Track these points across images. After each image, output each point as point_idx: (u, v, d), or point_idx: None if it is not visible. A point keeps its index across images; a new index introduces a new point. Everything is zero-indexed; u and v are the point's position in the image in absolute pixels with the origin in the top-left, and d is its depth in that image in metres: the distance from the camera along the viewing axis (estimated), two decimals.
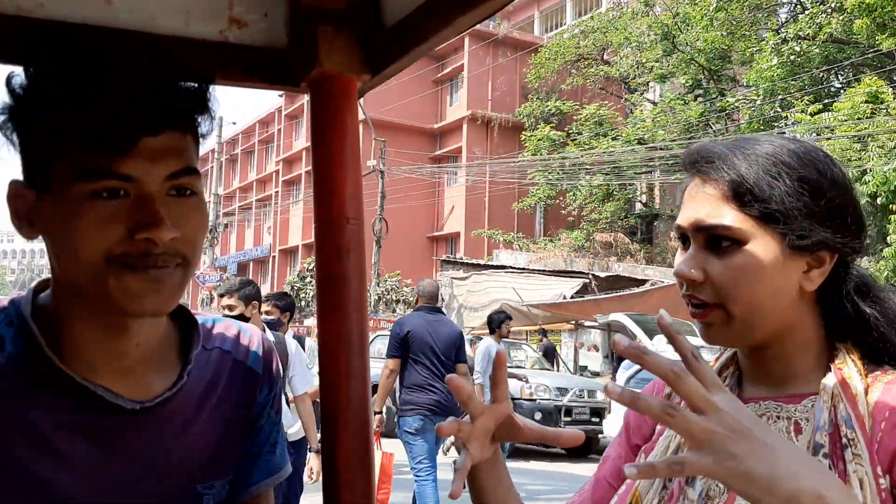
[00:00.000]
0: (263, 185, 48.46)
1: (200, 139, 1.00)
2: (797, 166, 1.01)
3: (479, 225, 32.91)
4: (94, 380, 0.96)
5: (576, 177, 27.96)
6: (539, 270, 24.04)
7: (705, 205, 1.03)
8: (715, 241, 1.01)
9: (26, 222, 0.96)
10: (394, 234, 25.72)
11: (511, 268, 24.83)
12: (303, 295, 29.71)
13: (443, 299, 22.82)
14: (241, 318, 4.28)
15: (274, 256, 44.83)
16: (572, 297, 20.59)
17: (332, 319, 1.19)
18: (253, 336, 1.17)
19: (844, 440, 0.95)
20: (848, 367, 1.01)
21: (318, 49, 1.19)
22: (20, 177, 0.97)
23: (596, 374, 18.97)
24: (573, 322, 20.59)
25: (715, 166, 1.03)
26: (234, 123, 49.05)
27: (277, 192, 45.08)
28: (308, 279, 30.52)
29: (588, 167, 27.29)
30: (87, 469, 0.97)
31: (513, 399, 9.34)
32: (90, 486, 0.97)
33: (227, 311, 4.41)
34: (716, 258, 1.01)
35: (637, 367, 7.68)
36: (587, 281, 21.82)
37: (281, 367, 1.21)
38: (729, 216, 1.00)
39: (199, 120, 0.98)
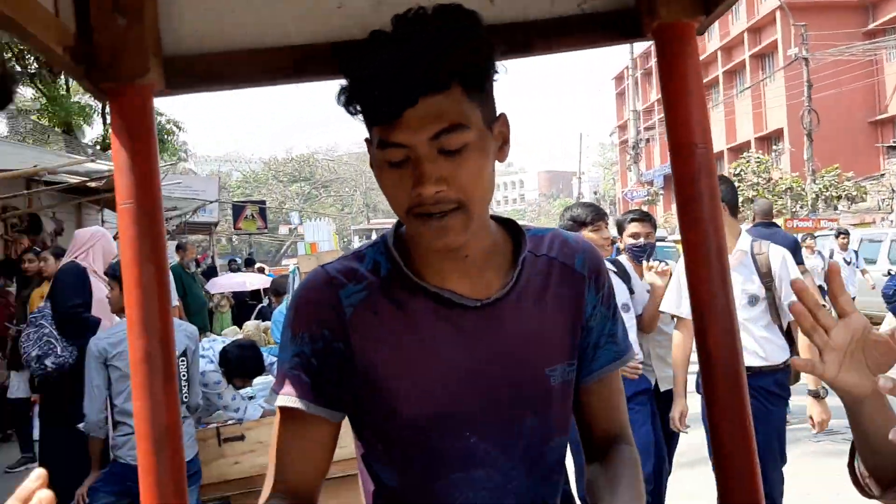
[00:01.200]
0: None
1: (477, 90, 1.14)
2: None
3: None
4: (442, 286, 1.23)
5: None
6: None
7: None
8: None
9: (376, 169, 1.19)
10: (826, 124, 23.54)
11: None
12: None
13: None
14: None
15: None
16: None
17: (690, 237, 1.41)
18: (578, 243, 1.37)
19: None
20: None
21: (656, 3, 1.41)
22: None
23: None
24: None
25: None
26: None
27: None
28: (735, 184, 29.36)
29: None
30: (449, 354, 1.22)
31: None
32: (453, 368, 1.22)
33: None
34: None
35: None
36: None
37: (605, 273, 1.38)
38: None
39: (461, 76, 1.10)
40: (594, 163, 79.92)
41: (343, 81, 1.13)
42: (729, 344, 1.38)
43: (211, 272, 15.11)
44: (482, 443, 1.24)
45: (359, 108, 1.13)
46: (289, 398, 1.23)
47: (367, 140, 1.21)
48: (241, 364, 4.70)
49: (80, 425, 4.05)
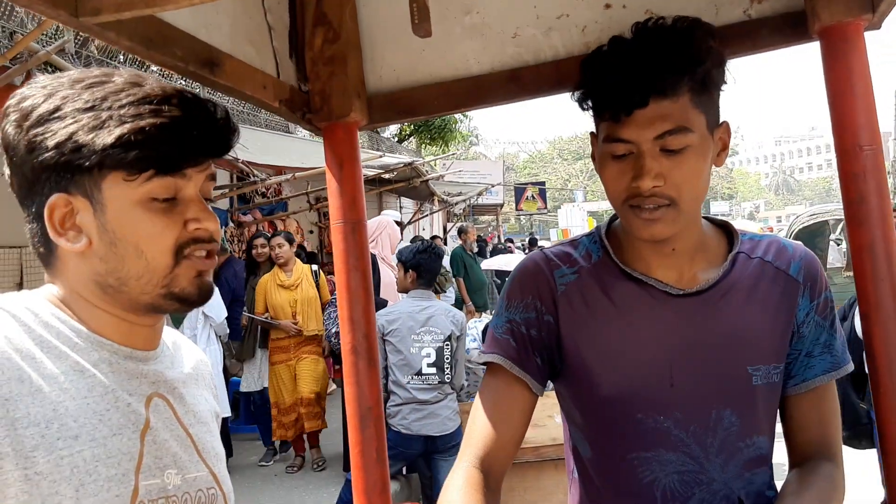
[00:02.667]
0: None
1: (705, 96, 1.22)
2: None
3: None
4: (648, 274, 1.33)
5: None
6: None
7: None
8: None
9: (598, 161, 1.32)
10: None
11: None
12: None
13: None
14: None
15: None
16: None
17: (857, 236, 1.39)
18: (797, 250, 1.40)
19: None
20: None
21: (820, 4, 1.40)
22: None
23: None
24: None
25: None
26: None
27: None
28: None
29: None
30: (649, 338, 1.30)
31: None
32: (652, 351, 1.29)
33: None
34: None
35: None
36: None
37: (823, 282, 1.39)
38: None
39: (697, 80, 1.20)
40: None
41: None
42: None
43: (500, 251, 15.79)
44: (675, 428, 1.29)
45: (590, 103, 1.27)
46: (494, 356, 1.36)
47: (592, 134, 1.35)
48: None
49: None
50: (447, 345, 4.48)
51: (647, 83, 1.18)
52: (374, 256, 5.59)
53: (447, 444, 4.46)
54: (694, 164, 1.23)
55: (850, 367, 1.39)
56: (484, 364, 1.38)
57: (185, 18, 1.23)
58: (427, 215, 14.94)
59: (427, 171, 11.19)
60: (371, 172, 11.02)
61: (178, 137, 0.96)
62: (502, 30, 1.63)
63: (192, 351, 1.24)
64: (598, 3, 1.60)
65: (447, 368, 4.47)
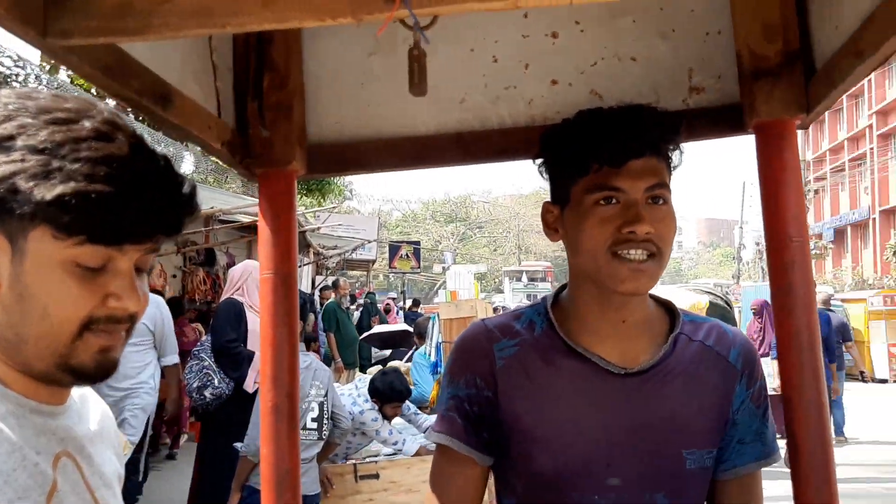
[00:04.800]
0: (856, 143, 44.78)
1: (672, 167, 1.33)
2: None
3: None
4: (591, 350, 1.32)
5: None
6: None
7: None
8: None
9: (553, 230, 1.38)
10: None
11: None
12: None
13: None
14: None
15: (874, 218, 41.15)
16: None
17: (784, 323, 1.46)
18: (737, 337, 1.42)
19: None
20: None
21: (757, 101, 1.48)
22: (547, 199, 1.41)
23: None
24: None
25: None
26: None
27: (872, 148, 41.27)
28: None
29: None
30: (588, 416, 1.30)
31: None
32: (590, 430, 1.29)
33: None
34: None
35: None
36: None
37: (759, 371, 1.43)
38: None
39: (671, 151, 1.32)
40: (758, 212, 76.51)
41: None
42: (820, 433, 1.41)
43: (370, 309, 15.62)
44: None
45: (563, 163, 1.34)
46: (442, 436, 1.38)
47: (547, 203, 1.39)
48: (390, 388, 5.00)
49: (240, 445, 4.41)
50: (325, 400, 4.36)
51: (645, 135, 1.28)
52: (240, 304, 5.39)
53: None
54: (672, 220, 1.31)
55: (779, 456, 1.42)
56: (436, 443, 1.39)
57: (141, 49, 1.16)
58: (299, 267, 14.70)
59: (303, 223, 11.03)
60: (246, 219, 10.77)
61: (126, 211, 0.87)
62: (451, 94, 1.64)
63: (98, 404, 1.13)
64: (545, 78, 1.63)
65: (325, 424, 4.35)
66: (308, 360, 4.40)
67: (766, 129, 1.50)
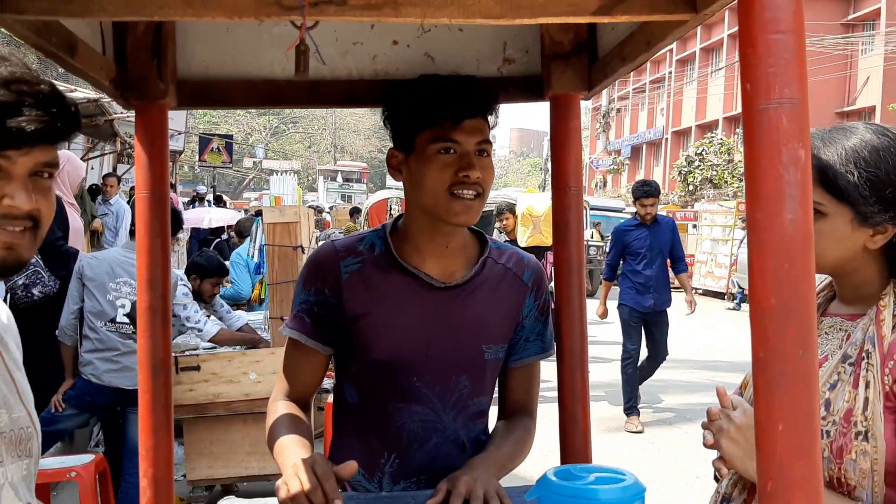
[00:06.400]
0: (657, 66, 47.76)
1: (491, 126, 1.69)
2: (872, 163, 1.32)
3: None
4: (419, 268, 1.68)
5: None
6: None
7: None
8: None
9: (397, 171, 1.70)
10: None
11: None
12: (690, 179, 29.49)
13: None
14: None
15: (666, 139, 44.51)
16: None
17: (560, 252, 1.90)
18: (530, 262, 1.83)
19: (865, 352, 1.31)
20: (888, 299, 1.34)
21: (552, 77, 1.88)
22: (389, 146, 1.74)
23: None
24: None
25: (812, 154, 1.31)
26: None
27: (671, 72, 44.29)
28: (696, 163, 30.14)
29: None
30: (413, 318, 1.67)
31: None
32: (414, 329, 1.66)
33: None
34: None
35: None
36: None
37: (545, 287, 1.88)
38: (816, 193, 1.29)
39: (492, 114, 1.68)
40: None
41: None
42: (580, 331, 1.89)
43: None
44: (424, 388, 1.69)
45: (411, 116, 1.64)
46: (293, 332, 1.72)
47: (392, 149, 1.70)
48: (209, 262, 5.25)
49: (57, 332, 4.52)
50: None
51: (477, 101, 1.64)
52: (58, 199, 5.32)
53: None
54: (492, 170, 1.68)
55: (553, 352, 1.89)
56: (288, 336, 1.76)
57: None
58: (98, 156, 13.99)
59: (112, 112, 10.55)
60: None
61: (12, 119, 1.01)
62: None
63: (1, 304, 1.37)
64: (388, 38, 1.94)
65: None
66: (133, 258, 4.52)
67: (558, 100, 1.91)
